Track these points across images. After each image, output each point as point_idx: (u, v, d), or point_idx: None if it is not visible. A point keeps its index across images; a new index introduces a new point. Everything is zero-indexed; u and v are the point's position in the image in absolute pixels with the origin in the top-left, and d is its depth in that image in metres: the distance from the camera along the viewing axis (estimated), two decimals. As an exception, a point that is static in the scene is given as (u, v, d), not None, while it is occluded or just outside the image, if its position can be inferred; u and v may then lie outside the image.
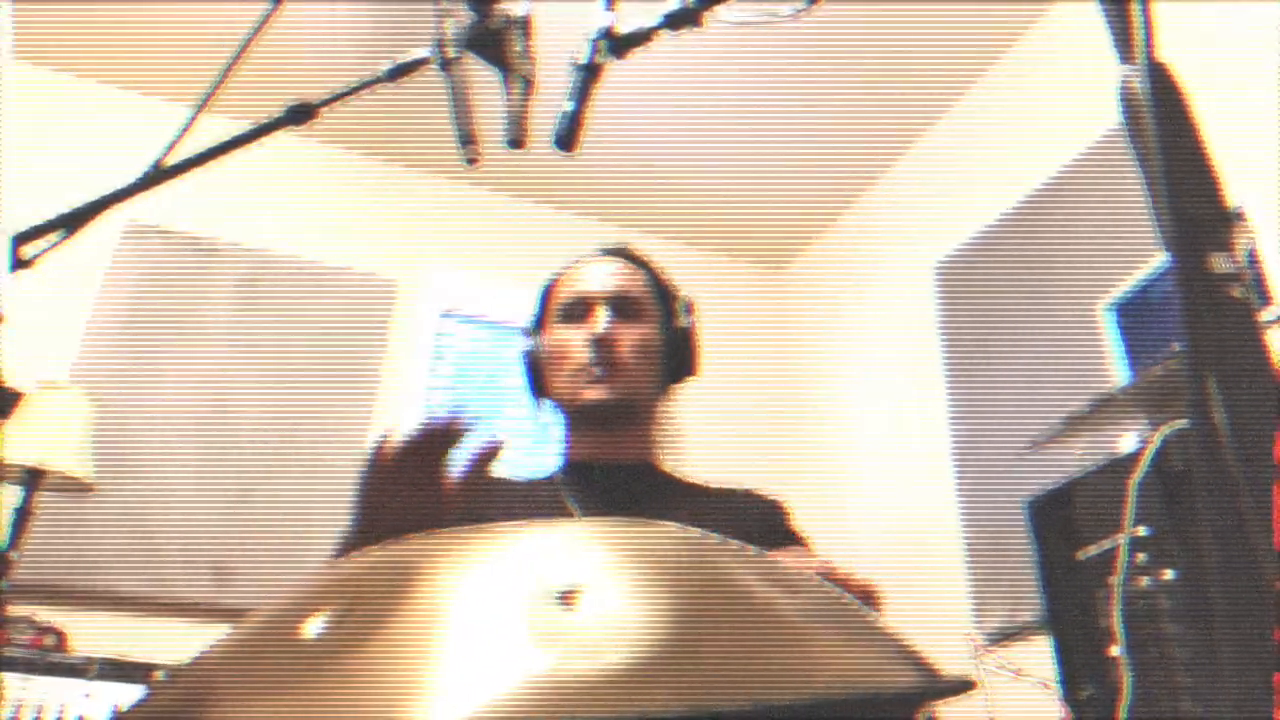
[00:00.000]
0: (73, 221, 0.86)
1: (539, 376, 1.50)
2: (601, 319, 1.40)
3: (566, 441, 1.48)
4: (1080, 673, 1.86)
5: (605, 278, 1.46)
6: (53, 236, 0.88)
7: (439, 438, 0.98)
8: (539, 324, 1.51)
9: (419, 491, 1.00)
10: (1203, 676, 1.59)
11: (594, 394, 1.39)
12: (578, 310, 1.44)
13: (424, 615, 0.39)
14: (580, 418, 1.43)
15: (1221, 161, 0.59)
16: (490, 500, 1.38)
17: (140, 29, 3.60)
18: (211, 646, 0.43)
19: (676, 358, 1.49)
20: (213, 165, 0.89)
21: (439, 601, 0.39)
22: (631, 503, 1.38)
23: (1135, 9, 0.59)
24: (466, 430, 0.98)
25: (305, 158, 4.04)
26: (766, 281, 4.87)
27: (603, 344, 1.38)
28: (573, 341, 1.41)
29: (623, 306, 1.43)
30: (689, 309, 1.53)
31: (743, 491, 1.48)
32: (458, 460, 1.02)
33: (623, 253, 1.53)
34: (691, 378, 1.53)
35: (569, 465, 1.46)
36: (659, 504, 1.39)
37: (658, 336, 1.46)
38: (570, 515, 1.36)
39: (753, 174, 4.26)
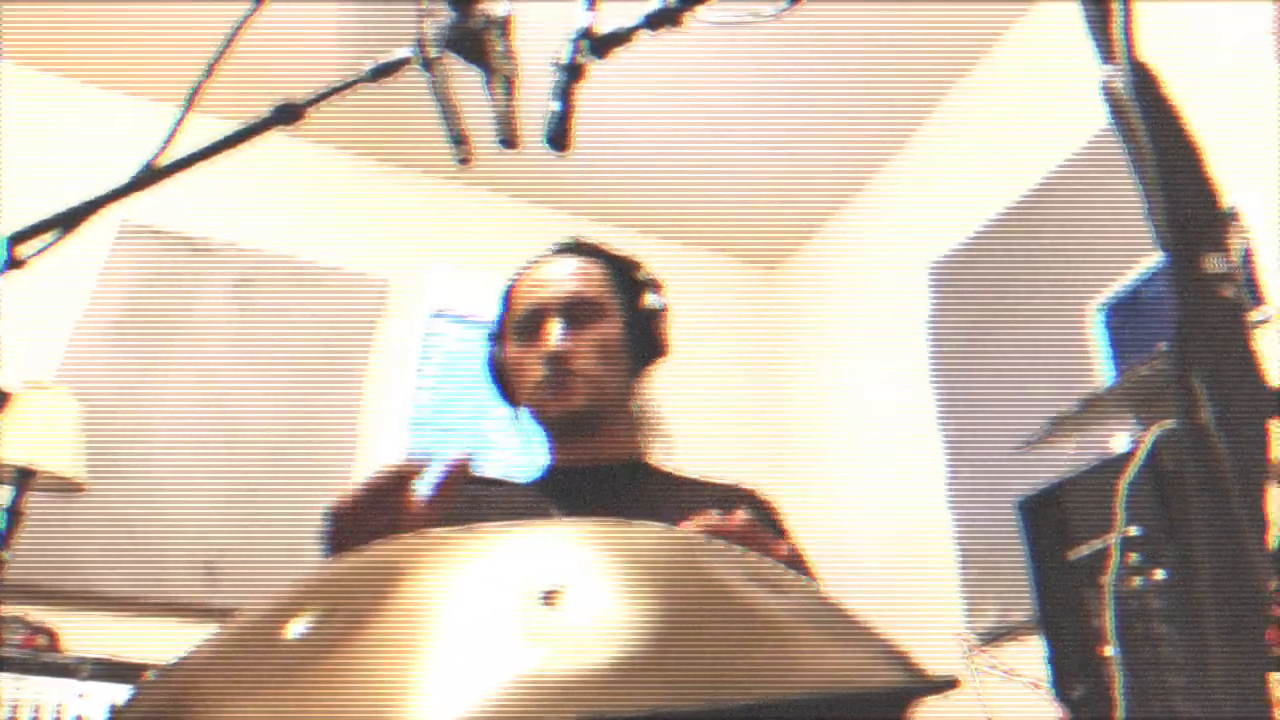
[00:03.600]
0: (66, 222, 0.86)
1: (506, 388, 1.48)
2: (553, 334, 1.36)
3: (550, 447, 1.46)
4: (1072, 672, 1.86)
5: (558, 283, 1.41)
6: (46, 237, 0.88)
7: (395, 480, 0.96)
8: (500, 332, 1.49)
9: (385, 521, 0.97)
10: (1195, 676, 1.59)
11: (556, 408, 1.36)
12: (530, 324, 1.40)
13: (409, 615, 0.39)
14: (552, 427, 1.41)
15: (1217, 161, 0.59)
16: (472, 510, 1.36)
17: (128, 29, 3.59)
18: (198, 646, 0.43)
19: (642, 344, 1.45)
20: (204, 165, 0.90)
21: (424, 602, 0.40)
22: (614, 503, 1.36)
23: (1116, 8, 0.59)
24: (421, 469, 0.96)
25: (296, 158, 4.04)
26: (759, 281, 4.86)
27: (556, 360, 1.35)
28: (527, 359, 1.39)
29: (577, 313, 1.39)
30: (654, 287, 1.48)
31: (731, 487, 1.46)
32: (423, 486, 0.99)
33: (575, 248, 1.48)
34: (661, 360, 1.48)
35: (552, 469, 1.45)
36: (643, 502, 1.37)
37: (618, 332, 1.42)
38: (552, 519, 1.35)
39: (745, 173, 4.26)
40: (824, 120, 3.96)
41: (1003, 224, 3.42)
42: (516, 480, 1.48)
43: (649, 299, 1.47)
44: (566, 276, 1.42)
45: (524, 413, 1.45)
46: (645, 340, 1.45)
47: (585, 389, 1.37)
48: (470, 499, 1.40)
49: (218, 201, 3.79)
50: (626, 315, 1.44)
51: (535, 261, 1.48)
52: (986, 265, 3.45)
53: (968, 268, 3.54)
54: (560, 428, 1.40)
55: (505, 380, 1.47)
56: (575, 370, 1.36)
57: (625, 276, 1.48)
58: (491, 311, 3.99)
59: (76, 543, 3.09)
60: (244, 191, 3.86)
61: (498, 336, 1.49)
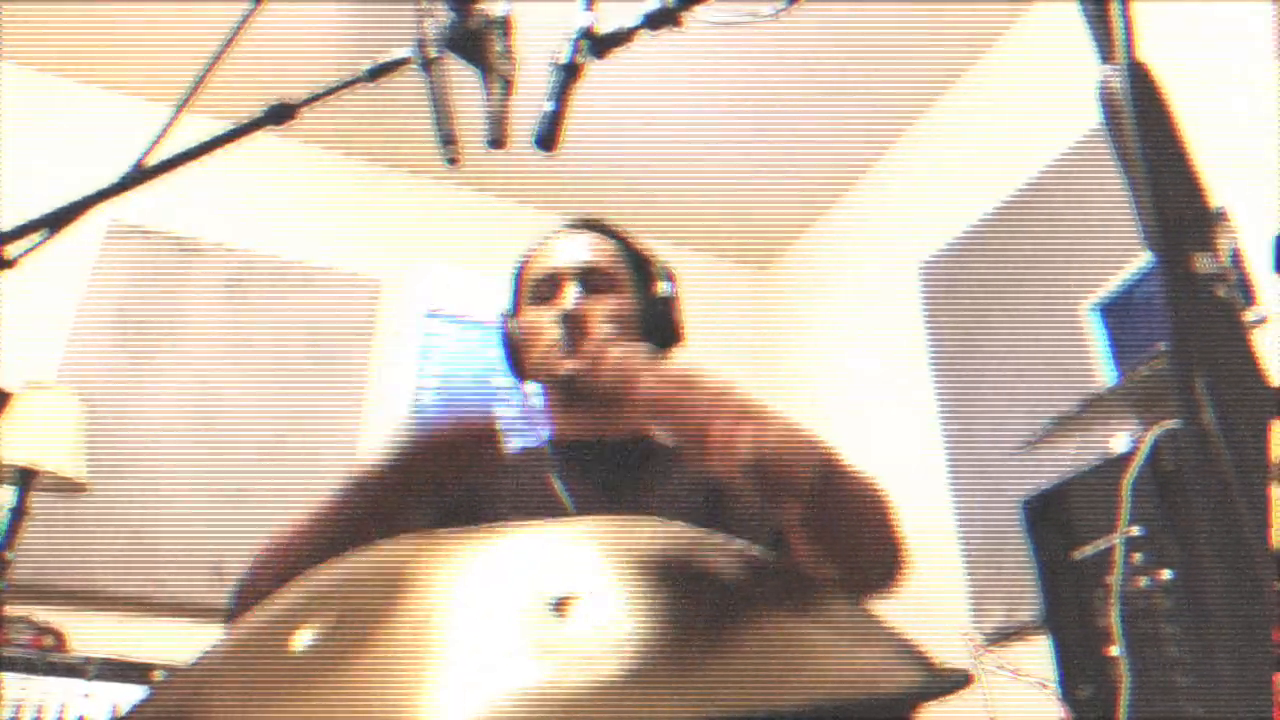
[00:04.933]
0: (55, 221, 0.86)
1: (517, 358, 1.47)
2: (570, 295, 1.37)
3: (550, 417, 1.45)
4: (1079, 672, 1.86)
5: (573, 251, 1.43)
6: (35, 236, 0.88)
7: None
8: (514, 306, 1.49)
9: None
10: (1200, 676, 1.58)
11: (567, 367, 1.35)
12: (546, 288, 1.41)
13: (418, 624, 0.38)
14: (560, 393, 1.41)
15: (1205, 161, 0.59)
16: (474, 488, 1.35)
17: (122, 29, 3.60)
18: (208, 651, 0.43)
19: (656, 327, 1.45)
20: (194, 165, 0.89)
21: (433, 610, 0.39)
22: (617, 478, 1.36)
23: (1115, 9, 0.58)
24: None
25: (286, 158, 4.03)
26: (750, 281, 4.86)
27: (571, 319, 1.35)
28: (542, 320, 1.39)
29: (592, 280, 1.40)
30: (668, 276, 1.49)
31: None
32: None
33: (591, 225, 1.50)
34: (677, 346, 1.48)
35: (555, 441, 1.44)
36: (643, 480, 1.36)
37: (632, 306, 1.42)
38: (555, 494, 1.34)
39: (735, 173, 4.25)
40: (813, 119, 3.96)
41: (991, 223, 3.42)
42: (521, 447, 1.46)
43: (662, 285, 1.47)
44: (581, 247, 1.44)
45: (531, 385, 1.46)
46: (659, 323, 1.45)
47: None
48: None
49: (207, 201, 3.79)
50: (640, 296, 1.45)
51: (549, 236, 1.50)
52: (976, 264, 3.45)
53: (957, 266, 3.54)
54: (566, 391, 1.39)
55: (517, 351, 1.46)
56: (590, 333, 1.36)
57: (638, 258, 1.49)
58: (491, 306, 4.02)
59: (82, 543, 3.10)
60: (233, 191, 3.86)
61: (512, 310, 1.49)
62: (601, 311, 1.38)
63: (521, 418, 1.62)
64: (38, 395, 2.75)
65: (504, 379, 1.53)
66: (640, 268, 1.48)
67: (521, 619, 0.38)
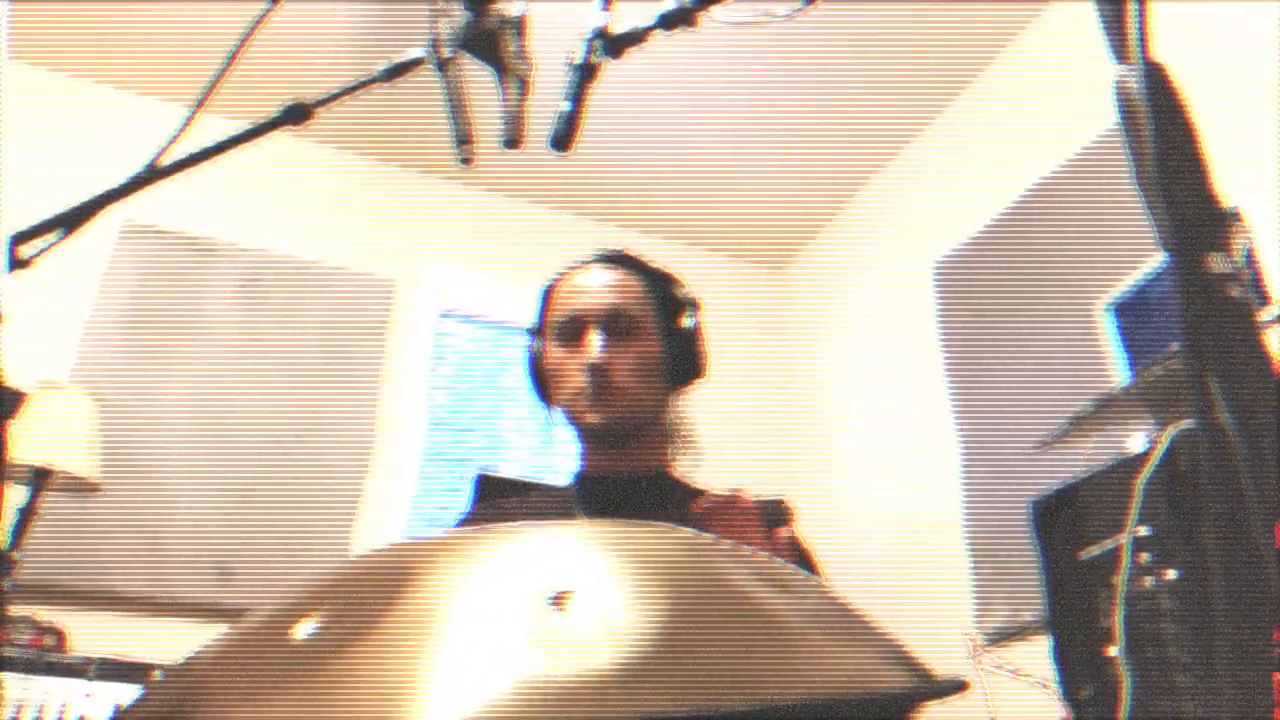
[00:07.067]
0: (70, 221, 0.86)
1: (544, 389, 1.50)
2: (594, 344, 1.39)
3: (581, 453, 1.49)
4: (1080, 673, 1.86)
5: (598, 294, 1.43)
6: (50, 236, 0.88)
7: None
8: (541, 331, 1.50)
9: None
10: (1202, 676, 1.58)
11: (593, 418, 1.39)
12: (571, 330, 1.42)
13: (418, 618, 0.39)
14: (587, 435, 1.43)
15: (1220, 161, 0.59)
16: (505, 512, 1.40)
17: (137, 29, 3.60)
18: (207, 646, 0.43)
19: (680, 363, 1.47)
20: (209, 165, 0.89)
21: (433, 604, 0.39)
22: (642, 514, 1.39)
23: (1131, 9, 0.58)
24: None
25: (301, 158, 4.03)
26: (765, 281, 4.86)
27: (597, 371, 1.38)
28: (568, 365, 1.41)
29: (616, 325, 1.42)
30: (693, 307, 1.50)
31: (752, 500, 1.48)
32: None
33: (618, 259, 1.50)
34: (699, 380, 1.50)
35: (583, 477, 1.47)
36: (668, 515, 1.39)
37: (656, 350, 1.44)
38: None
39: (750, 173, 4.25)
40: (828, 119, 3.96)
41: (1005, 223, 3.41)
42: (548, 484, 1.52)
43: (686, 319, 1.48)
44: (606, 287, 1.44)
45: (558, 414, 1.48)
46: (682, 359, 1.47)
47: (623, 402, 1.39)
48: (502, 508, 1.44)
49: (221, 201, 3.79)
50: (664, 333, 1.47)
51: (576, 266, 1.50)
52: (991, 264, 3.45)
53: (972, 266, 3.54)
54: (595, 436, 1.42)
55: (543, 380, 1.49)
56: (615, 383, 1.39)
57: (664, 294, 1.50)
58: (514, 311, 4.04)
59: (89, 542, 3.10)
60: (247, 191, 3.86)
61: (538, 336, 1.51)
62: (626, 361, 1.40)
63: (546, 444, 1.66)
64: (52, 395, 2.75)
65: (521, 396, 1.56)
66: (665, 304, 1.49)
67: (520, 611, 0.38)
